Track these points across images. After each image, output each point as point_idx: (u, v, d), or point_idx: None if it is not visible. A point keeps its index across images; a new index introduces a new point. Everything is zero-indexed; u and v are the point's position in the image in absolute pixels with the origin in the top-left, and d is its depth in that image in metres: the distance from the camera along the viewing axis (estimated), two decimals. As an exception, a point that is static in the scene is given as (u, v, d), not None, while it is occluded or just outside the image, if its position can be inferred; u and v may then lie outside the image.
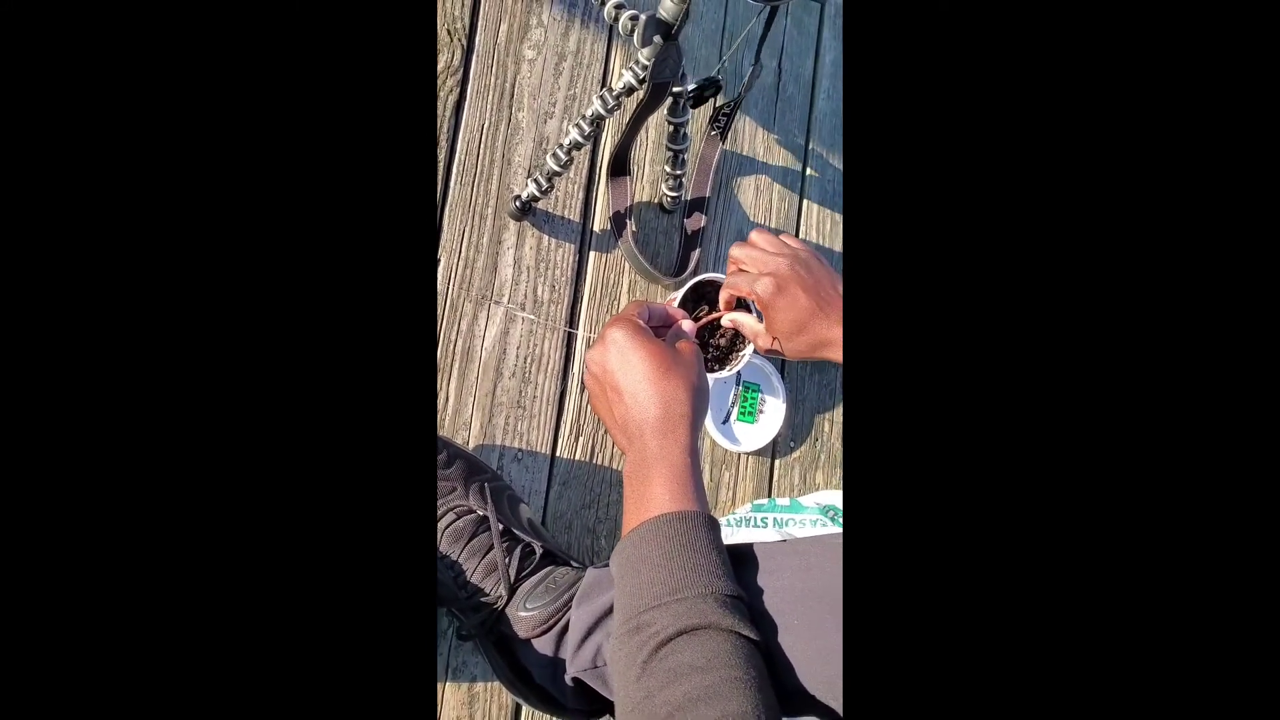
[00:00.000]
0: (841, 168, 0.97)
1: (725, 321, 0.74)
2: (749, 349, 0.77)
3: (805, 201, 0.94)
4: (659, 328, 0.63)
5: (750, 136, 0.92)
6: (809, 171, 0.95)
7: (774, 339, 0.68)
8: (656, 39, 0.64)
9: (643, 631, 0.44)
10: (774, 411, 0.87)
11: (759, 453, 0.88)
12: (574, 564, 0.66)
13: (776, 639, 0.47)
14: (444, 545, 0.63)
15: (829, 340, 0.64)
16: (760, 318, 0.71)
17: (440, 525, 0.63)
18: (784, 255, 0.67)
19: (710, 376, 0.71)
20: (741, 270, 0.70)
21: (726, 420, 0.86)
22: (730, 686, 0.39)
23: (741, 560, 0.51)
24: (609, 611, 0.57)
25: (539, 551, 0.64)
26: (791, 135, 0.94)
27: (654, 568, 0.46)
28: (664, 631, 0.43)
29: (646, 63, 0.65)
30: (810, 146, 0.95)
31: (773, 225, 0.93)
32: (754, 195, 0.92)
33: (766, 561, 0.50)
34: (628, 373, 0.53)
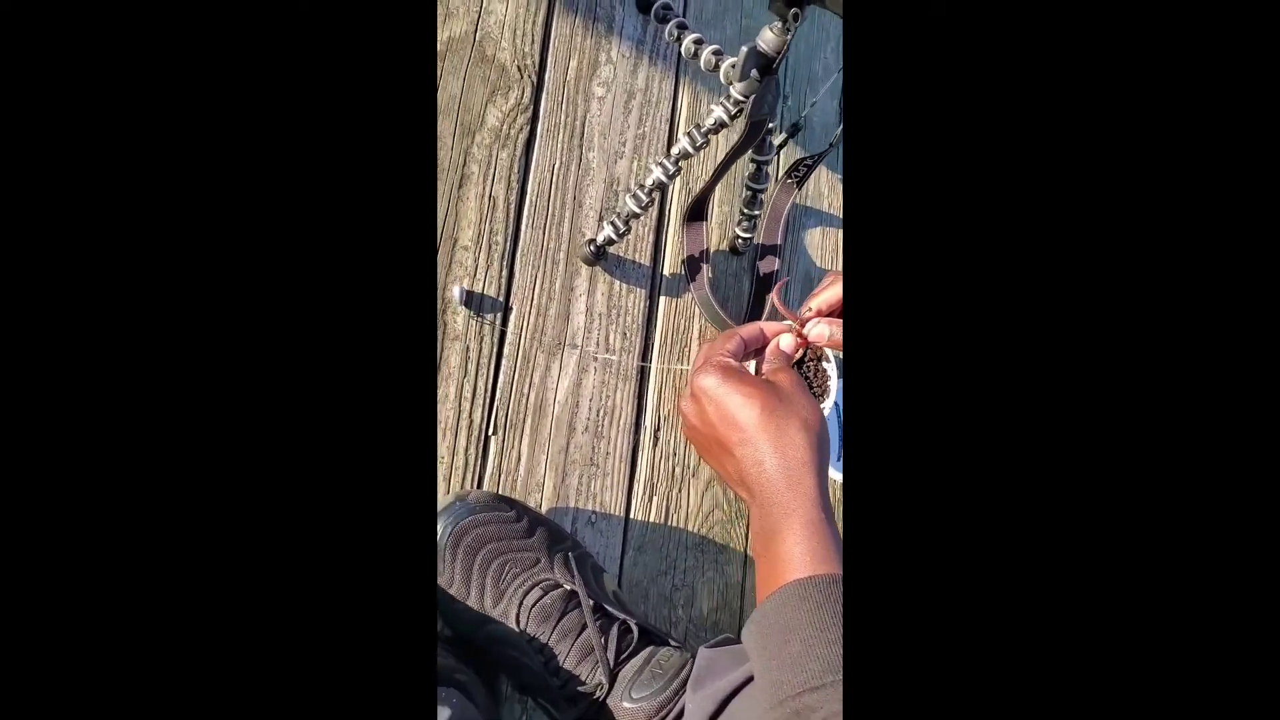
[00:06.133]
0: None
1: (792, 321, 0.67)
2: (833, 373, 0.68)
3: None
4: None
5: (815, 177, 0.88)
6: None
7: None
8: (754, 73, 0.61)
9: (804, 716, 0.40)
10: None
11: (839, 509, 0.82)
12: (672, 642, 0.60)
13: None
14: (532, 627, 0.56)
15: None
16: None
17: (527, 602, 0.57)
18: None
19: None
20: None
21: (840, 458, 0.79)
22: None
23: None
24: (732, 695, 0.51)
25: (636, 630, 0.57)
26: (857, 175, 0.91)
27: (805, 641, 0.41)
28: (832, 719, 0.38)
29: (740, 97, 0.61)
30: (876, 186, 0.92)
31: (837, 267, 0.89)
32: (820, 238, 0.88)
33: None
34: (731, 425, 0.48)
